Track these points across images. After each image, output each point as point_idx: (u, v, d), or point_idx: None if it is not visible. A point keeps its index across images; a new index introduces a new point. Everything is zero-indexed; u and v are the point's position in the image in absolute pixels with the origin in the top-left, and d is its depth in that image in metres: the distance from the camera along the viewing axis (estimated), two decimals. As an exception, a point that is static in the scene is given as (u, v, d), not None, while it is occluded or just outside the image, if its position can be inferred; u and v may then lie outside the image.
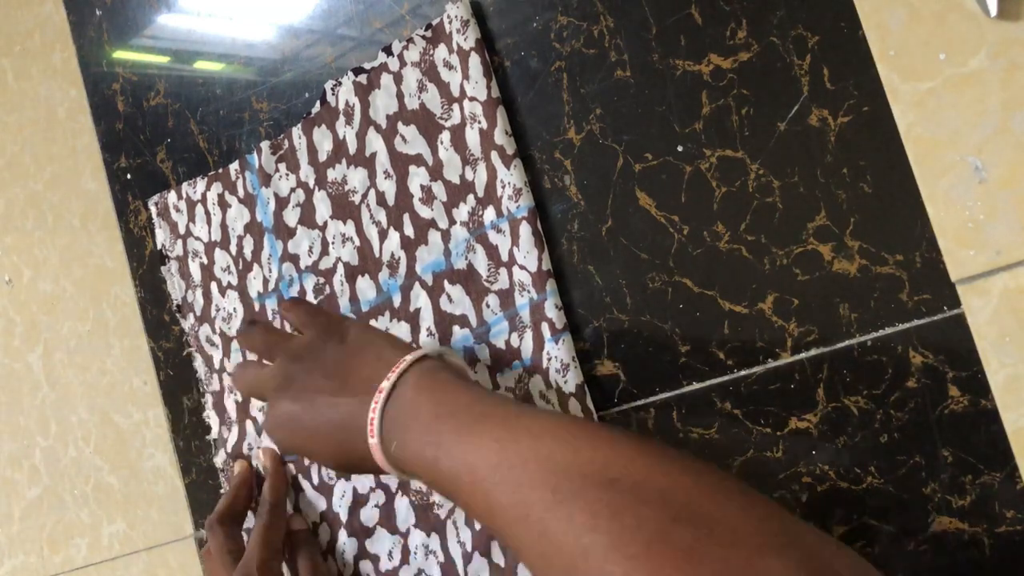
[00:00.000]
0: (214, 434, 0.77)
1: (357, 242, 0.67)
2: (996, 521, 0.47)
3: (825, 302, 0.51)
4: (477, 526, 0.63)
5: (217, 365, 0.76)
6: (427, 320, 0.64)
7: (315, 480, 0.71)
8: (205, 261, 0.76)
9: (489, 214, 0.61)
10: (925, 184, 0.47)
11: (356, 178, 0.67)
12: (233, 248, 0.74)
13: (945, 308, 0.48)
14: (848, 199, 0.50)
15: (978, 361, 0.46)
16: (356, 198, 0.67)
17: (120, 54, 0.82)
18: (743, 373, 0.54)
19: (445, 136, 0.62)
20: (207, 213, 0.76)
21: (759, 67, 0.52)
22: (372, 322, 0.67)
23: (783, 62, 0.51)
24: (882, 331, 0.49)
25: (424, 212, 0.64)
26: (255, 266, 0.73)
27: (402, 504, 0.66)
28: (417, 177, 0.64)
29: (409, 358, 0.49)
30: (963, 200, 0.46)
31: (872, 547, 0.51)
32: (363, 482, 0.68)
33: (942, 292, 0.47)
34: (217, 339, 0.76)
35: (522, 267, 0.59)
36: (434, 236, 0.63)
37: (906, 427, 0.49)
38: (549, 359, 0.58)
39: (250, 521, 0.73)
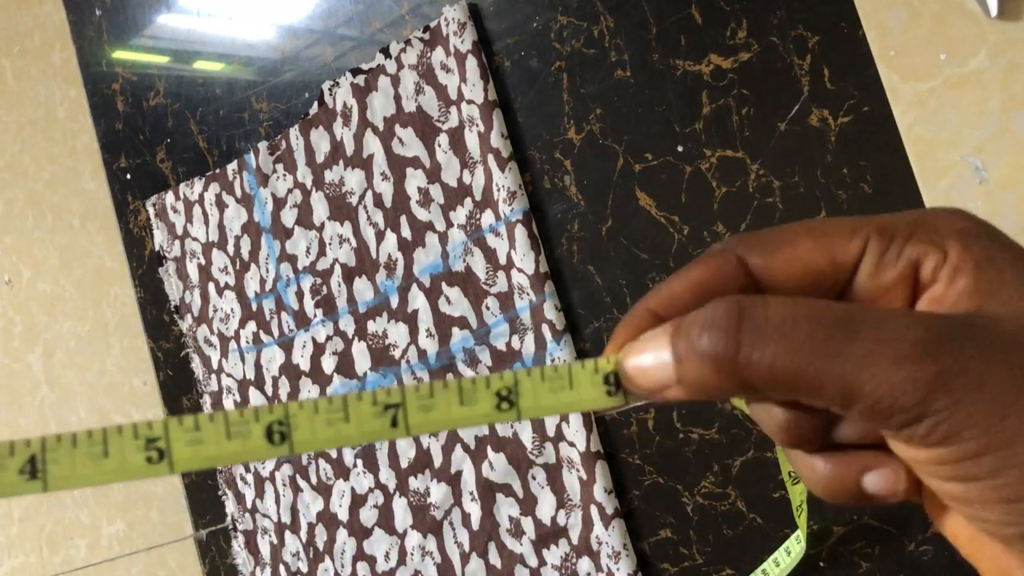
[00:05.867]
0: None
1: (354, 243, 0.67)
2: (996, 523, 0.47)
3: (825, 303, 0.51)
4: (475, 527, 0.63)
5: (215, 365, 0.76)
6: (426, 321, 0.64)
7: (313, 480, 0.71)
8: (203, 262, 0.76)
9: (487, 217, 0.61)
10: (925, 184, 0.47)
11: (353, 179, 0.67)
12: (231, 248, 0.74)
13: (945, 309, 0.47)
14: (848, 199, 0.49)
15: (978, 362, 0.46)
16: (353, 199, 0.67)
17: (120, 54, 0.82)
18: (743, 374, 0.54)
19: (443, 139, 0.62)
20: (204, 214, 0.76)
21: (759, 67, 0.51)
22: (370, 323, 0.67)
23: (783, 62, 0.51)
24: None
25: (421, 214, 0.64)
26: (252, 266, 0.73)
27: (400, 504, 0.66)
28: (415, 179, 0.64)
29: None
30: (963, 200, 0.45)
31: (872, 547, 0.51)
32: (362, 482, 0.68)
33: (942, 293, 0.47)
34: (215, 339, 0.76)
35: (520, 270, 0.59)
36: (431, 238, 0.63)
37: (906, 428, 0.49)
38: (552, 360, 0.58)
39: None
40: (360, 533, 0.68)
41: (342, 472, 0.69)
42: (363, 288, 0.67)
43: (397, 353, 0.66)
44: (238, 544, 0.76)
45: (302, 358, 0.71)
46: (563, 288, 0.59)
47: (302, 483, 0.71)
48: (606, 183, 0.57)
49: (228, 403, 0.76)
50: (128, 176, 0.82)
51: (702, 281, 0.22)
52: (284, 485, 0.73)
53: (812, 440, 0.22)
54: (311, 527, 0.71)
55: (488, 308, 0.61)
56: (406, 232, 0.64)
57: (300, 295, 0.70)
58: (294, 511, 0.72)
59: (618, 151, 0.57)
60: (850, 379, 0.18)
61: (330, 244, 0.68)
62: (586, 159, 0.58)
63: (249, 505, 0.75)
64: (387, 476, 0.67)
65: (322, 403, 0.21)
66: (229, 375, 0.75)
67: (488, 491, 0.62)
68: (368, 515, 0.68)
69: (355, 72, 0.66)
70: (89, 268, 0.86)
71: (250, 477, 0.75)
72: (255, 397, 0.74)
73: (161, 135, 0.79)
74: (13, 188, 0.92)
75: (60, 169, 0.88)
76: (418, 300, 0.64)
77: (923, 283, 0.21)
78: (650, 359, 0.21)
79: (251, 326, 0.74)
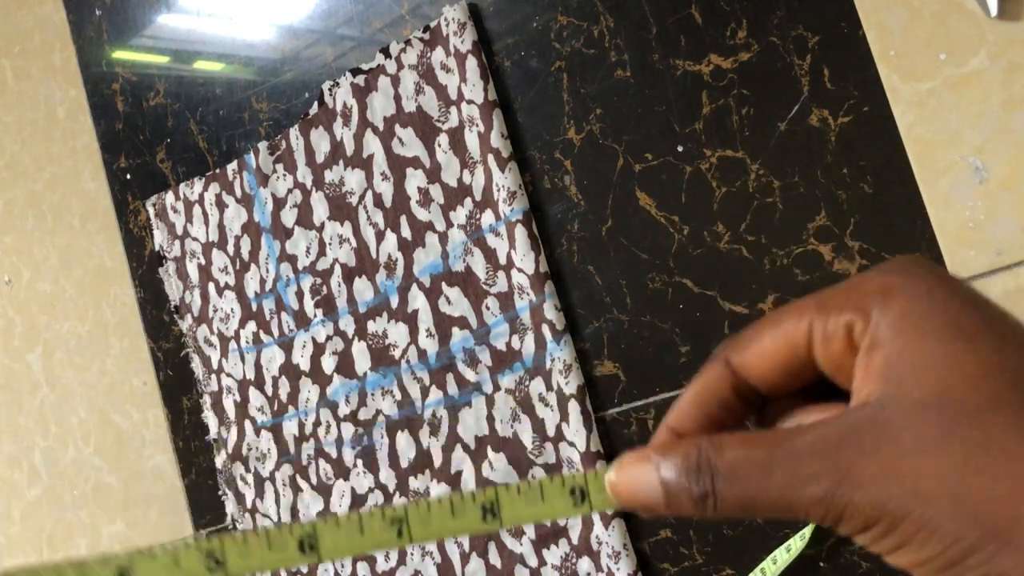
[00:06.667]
0: (213, 434, 0.77)
1: (354, 243, 0.67)
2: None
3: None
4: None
5: (215, 365, 0.76)
6: (426, 321, 0.64)
7: (313, 480, 0.71)
8: (203, 262, 0.76)
9: (487, 217, 0.61)
10: (925, 184, 0.47)
11: (353, 179, 0.67)
12: (231, 248, 0.74)
13: (945, 309, 0.47)
14: (848, 199, 0.49)
15: (978, 362, 0.46)
16: (353, 199, 0.67)
17: (120, 54, 0.82)
18: (743, 374, 0.54)
19: (443, 139, 0.62)
20: (204, 214, 0.75)
21: (759, 67, 0.51)
22: (370, 323, 0.67)
23: (783, 62, 0.51)
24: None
25: (421, 214, 0.64)
26: (252, 266, 0.73)
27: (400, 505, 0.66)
28: (414, 179, 0.64)
29: None
30: (963, 200, 0.45)
31: (872, 548, 0.51)
32: (362, 482, 0.68)
33: (942, 293, 0.47)
34: (215, 339, 0.76)
35: (520, 270, 0.59)
36: (431, 238, 0.63)
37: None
38: (552, 360, 0.58)
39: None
40: (360, 533, 0.68)
41: (342, 472, 0.69)
42: (363, 288, 0.67)
43: (397, 353, 0.66)
44: (238, 544, 0.76)
45: (302, 358, 0.71)
46: (563, 288, 0.59)
47: (302, 483, 0.71)
48: (606, 183, 0.57)
49: (228, 403, 0.76)
50: (128, 176, 0.82)
51: (701, 391, 0.26)
52: (284, 485, 0.72)
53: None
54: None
55: (488, 308, 0.61)
56: (406, 232, 0.64)
57: (300, 295, 0.70)
58: (294, 511, 0.72)
59: (618, 151, 0.57)
60: (786, 505, 0.23)
61: (330, 244, 0.68)
62: (586, 159, 0.58)
63: (249, 505, 0.75)
64: (387, 476, 0.67)
65: (342, 520, 0.27)
66: (229, 375, 0.75)
67: (488, 491, 0.62)
68: (368, 515, 0.68)
69: (355, 72, 0.66)
70: (89, 268, 0.86)
71: (250, 477, 0.75)
72: (255, 397, 0.74)
73: (161, 135, 0.79)
74: (13, 188, 0.92)
75: (60, 169, 0.88)
76: (418, 300, 0.64)
77: (856, 349, 0.24)
78: (642, 487, 0.25)
79: (251, 326, 0.74)
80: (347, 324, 0.68)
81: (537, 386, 0.59)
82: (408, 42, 0.63)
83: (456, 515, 0.27)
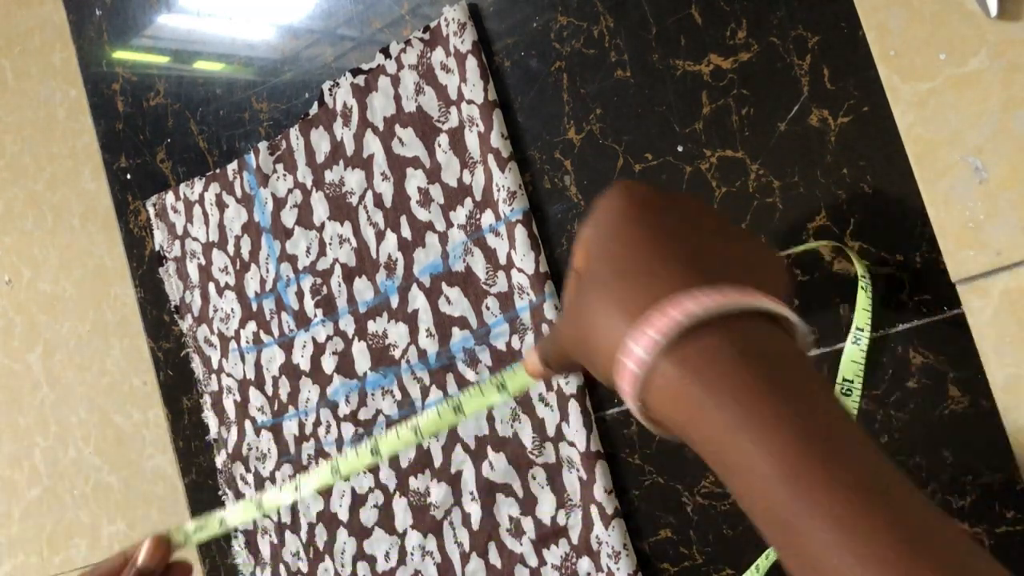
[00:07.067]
0: (213, 434, 0.77)
1: (354, 243, 0.67)
2: (996, 521, 0.47)
3: (825, 302, 0.51)
4: (475, 527, 0.63)
5: (215, 365, 0.76)
6: (426, 321, 0.64)
7: (314, 480, 0.71)
8: (203, 262, 0.76)
9: (487, 217, 0.61)
10: (925, 184, 0.47)
11: (353, 179, 0.67)
12: (231, 248, 0.74)
13: (945, 308, 0.47)
14: (848, 199, 0.50)
15: (978, 361, 0.46)
16: (353, 199, 0.67)
17: (120, 54, 0.82)
18: (743, 374, 0.54)
19: (443, 139, 0.62)
20: (205, 214, 0.76)
21: (759, 67, 0.51)
22: (370, 323, 0.67)
23: (783, 62, 0.51)
24: (882, 331, 0.49)
25: (421, 214, 0.64)
26: (252, 266, 0.73)
27: (400, 504, 0.66)
28: (415, 179, 0.64)
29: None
30: (963, 200, 0.45)
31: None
32: (362, 482, 0.68)
33: (942, 292, 0.47)
34: (215, 339, 0.76)
35: (520, 270, 0.59)
36: (431, 238, 0.63)
37: (906, 427, 0.49)
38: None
39: None
40: (360, 533, 0.68)
41: (342, 472, 0.69)
42: (363, 288, 0.67)
43: (397, 353, 0.66)
44: (238, 544, 0.76)
45: (302, 358, 0.71)
46: (563, 288, 0.59)
47: (302, 483, 0.71)
48: (606, 183, 0.57)
49: (228, 403, 0.76)
50: (128, 176, 0.82)
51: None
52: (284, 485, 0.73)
53: None
54: (311, 527, 0.71)
55: (488, 308, 0.61)
56: (406, 232, 0.64)
57: (300, 295, 0.70)
58: (294, 511, 0.72)
59: (618, 151, 0.57)
60: (569, 360, 0.36)
61: (330, 244, 0.68)
62: (586, 159, 0.58)
63: (249, 505, 0.75)
64: (387, 476, 0.67)
65: (389, 433, 0.42)
66: (229, 375, 0.75)
67: (488, 491, 0.62)
68: (368, 515, 0.68)
69: (355, 72, 0.66)
70: (89, 268, 0.86)
71: (250, 477, 0.75)
72: (255, 397, 0.74)
73: (161, 135, 0.79)
74: (13, 188, 0.92)
75: (60, 169, 0.88)
76: (418, 300, 0.64)
77: None
78: (535, 364, 0.39)
79: (251, 326, 0.74)
80: (347, 324, 0.68)
81: (537, 386, 0.59)
82: (408, 42, 0.63)
83: (441, 416, 0.41)
